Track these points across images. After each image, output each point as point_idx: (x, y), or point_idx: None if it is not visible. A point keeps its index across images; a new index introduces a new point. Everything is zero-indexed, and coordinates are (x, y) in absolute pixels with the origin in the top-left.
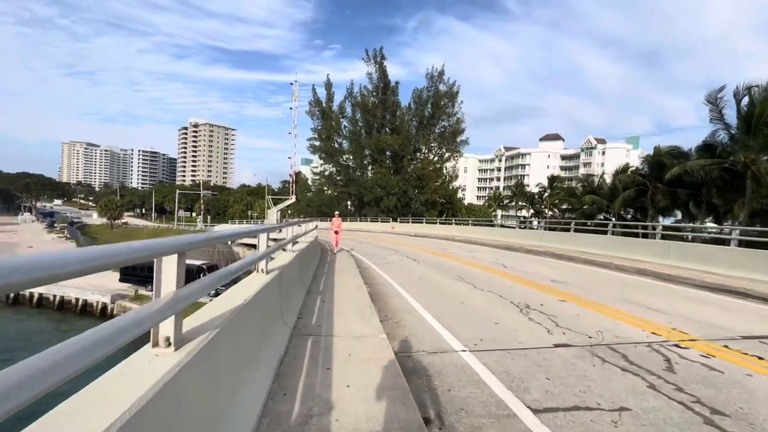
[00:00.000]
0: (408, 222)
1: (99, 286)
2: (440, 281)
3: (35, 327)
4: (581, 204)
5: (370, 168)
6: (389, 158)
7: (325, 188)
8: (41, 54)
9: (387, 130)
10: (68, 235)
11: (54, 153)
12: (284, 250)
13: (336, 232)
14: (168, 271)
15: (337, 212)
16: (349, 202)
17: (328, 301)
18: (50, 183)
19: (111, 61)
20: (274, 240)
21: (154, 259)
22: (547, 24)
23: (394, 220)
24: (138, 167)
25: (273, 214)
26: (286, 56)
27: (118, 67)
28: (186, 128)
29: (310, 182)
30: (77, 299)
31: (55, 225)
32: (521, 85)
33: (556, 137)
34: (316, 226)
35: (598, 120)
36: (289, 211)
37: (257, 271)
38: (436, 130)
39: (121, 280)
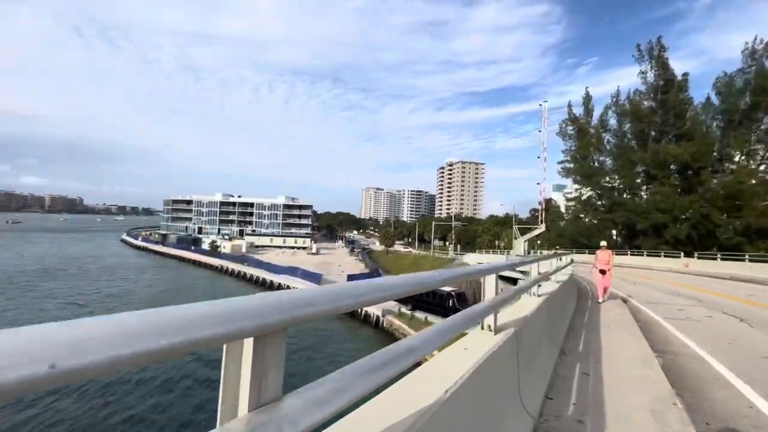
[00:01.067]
0: (715, 258)
1: None
2: None
3: (336, 330)
4: None
5: (644, 188)
6: (675, 173)
7: (582, 215)
8: (352, 128)
9: (670, 137)
10: (360, 258)
11: (356, 197)
12: (527, 294)
13: (603, 272)
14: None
15: (603, 243)
16: (614, 231)
17: (593, 374)
18: (353, 219)
19: (391, 124)
20: (523, 272)
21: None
22: None
23: (688, 255)
24: (408, 204)
25: (520, 245)
26: (534, 84)
27: (395, 128)
28: (443, 168)
29: (562, 209)
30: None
31: (354, 250)
32: None
33: None
34: (572, 261)
35: None
36: (538, 242)
37: (482, 328)
38: (762, 127)
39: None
